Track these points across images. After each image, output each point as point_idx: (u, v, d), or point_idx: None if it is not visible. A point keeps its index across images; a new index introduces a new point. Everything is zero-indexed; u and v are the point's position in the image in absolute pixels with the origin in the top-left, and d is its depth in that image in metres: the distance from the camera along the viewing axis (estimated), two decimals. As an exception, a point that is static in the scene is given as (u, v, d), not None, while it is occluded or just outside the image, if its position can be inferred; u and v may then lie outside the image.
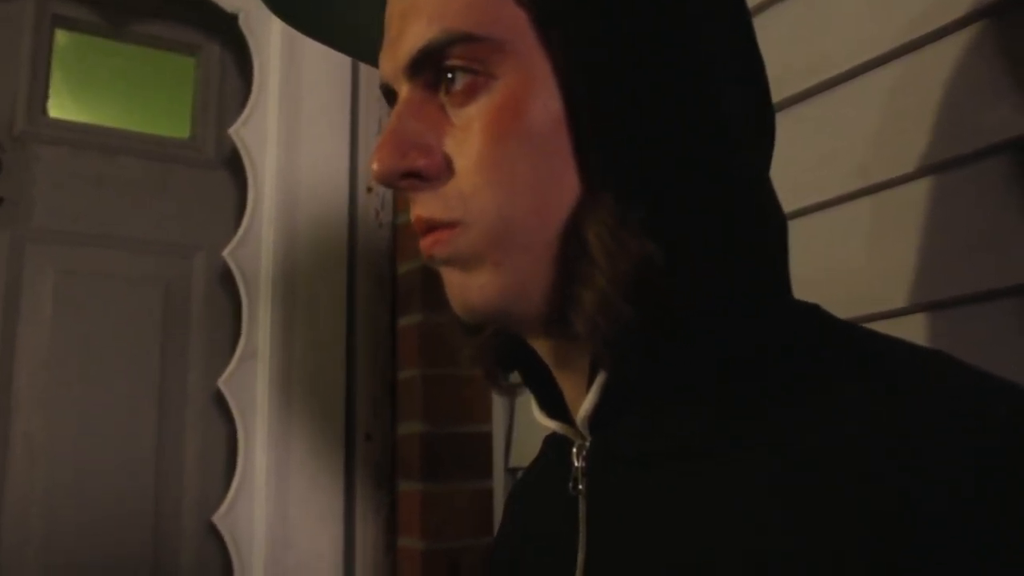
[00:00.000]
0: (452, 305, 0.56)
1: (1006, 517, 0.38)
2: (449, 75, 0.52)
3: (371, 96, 1.64)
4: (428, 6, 0.52)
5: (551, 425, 0.59)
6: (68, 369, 1.43)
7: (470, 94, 0.52)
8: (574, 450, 0.57)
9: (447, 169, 0.52)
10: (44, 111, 1.51)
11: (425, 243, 0.54)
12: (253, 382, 1.46)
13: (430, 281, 1.51)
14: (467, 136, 0.52)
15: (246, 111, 1.55)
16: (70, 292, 1.46)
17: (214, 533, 1.44)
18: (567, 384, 0.58)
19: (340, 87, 1.61)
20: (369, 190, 1.60)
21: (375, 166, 0.53)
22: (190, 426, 1.50)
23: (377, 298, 1.57)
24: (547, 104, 0.50)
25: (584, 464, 0.56)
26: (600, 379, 0.52)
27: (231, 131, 1.54)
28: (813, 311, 0.53)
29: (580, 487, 0.56)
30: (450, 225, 0.52)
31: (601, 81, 0.49)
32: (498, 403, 1.48)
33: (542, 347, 0.58)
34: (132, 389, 1.47)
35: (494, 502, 1.46)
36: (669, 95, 0.50)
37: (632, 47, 0.50)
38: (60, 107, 1.52)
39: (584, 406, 0.53)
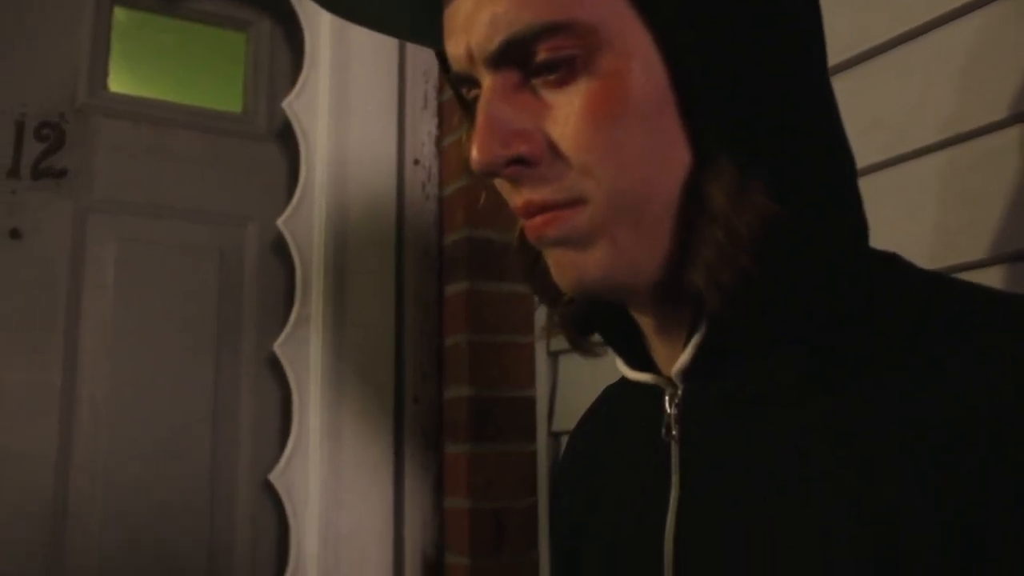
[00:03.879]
0: (560, 282, 0.56)
1: None
2: (540, 62, 0.51)
3: (417, 71, 1.68)
4: None
5: (640, 377, 0.60)
6: (130, 334, 1.49)
7: (567, 78, 0.51)
8: (666, 398, 0.58)
9: (551, 152, 0.52)
10: (104, 85, 1.56)
11: (534, 224, 0.54)
12: (307, 347, 1.51)
13: (476, 251, 1.56)
14: (569, 118, 0.51)
15: (298, 85, 1.59)
16: (130, 260, 1.52)
17: (269, 491, 1.50)
18: (660, 341, 0.60)
19: (388, 62, 1.65)
20: (416, 163, 1.65)
21: (475, 156, 0.52)
22: (244, 388, 1.56)
23: (424, 267, 1.61)
24: (650, 78, 0.50)
25: (677, 411, 0.58)
26: (697, 338, 0.54)
27: (284, 104, 1.58)
28: (893, 260, 0.55)
29: (673, 433, 0.58)
30: (566, 205, 0.53)
31: (710, 46, 0.49)
32: (542, 368, 1.52)
33: (642, 312, 0.59)
34: (190, 352, 1.53)
35: (538, 464, 1.50)
36: (771, 51, 0.51)
37: (732, 7, 0.50)
38: (119, 81, 1.58)
39: (681, 359, 0.55)
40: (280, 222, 1.54)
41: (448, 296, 1.60)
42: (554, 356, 1.51)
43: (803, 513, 0.49)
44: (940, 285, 0.53)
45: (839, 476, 0.48)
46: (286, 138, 1.63)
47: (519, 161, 0.52)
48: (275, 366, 1.53)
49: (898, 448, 0.46)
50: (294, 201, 1.56)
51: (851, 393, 0.49)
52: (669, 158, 0.51)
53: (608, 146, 0.50)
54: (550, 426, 1.48)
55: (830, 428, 0.49)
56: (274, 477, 1.47)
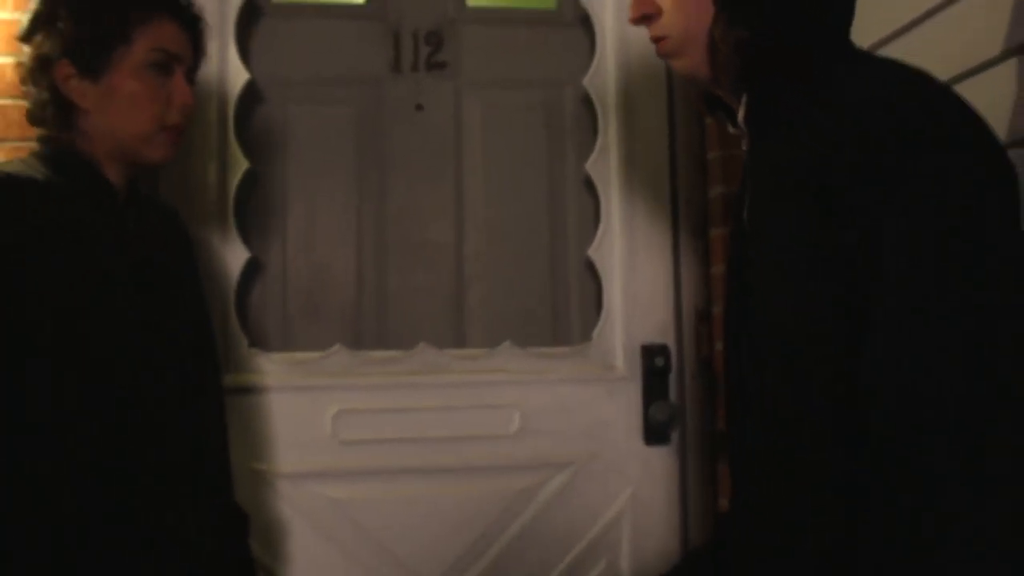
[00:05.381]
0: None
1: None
2: None
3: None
4: None
5: (734, 131, 1.20)
6: (494, 166, 2.25)
7: None
8: (743, 140, 1.18)
9: (658, 10, 1.15)
10: (464, 3, 2.30)
11: (656, 49, 1.18)
12: (609, 164, 2.18)
13: (726, 87, 2.11)
14: None
15: (591, -17, 2.23)
16: (491, 118, 2.27)
17: (588, 264, 2.20)
18: (737, 108, 1.17)
19: (656, -45, 2.23)
20: (680, 28, 2.22)
21: (631, 13, 1.17)
22: (568, 195, 2.27)
23: (690, 105, 2.20)
24: None
25: (747, 146, 1.17)
26: (743, 102, 1.13)
27: (582, -2, 2.23)
28: (860, 55, 1.11)
29: (747, 159, 1.17)
30: (663, 38, 1.16)
31: None
32: (779, 169, 2.06)
33: (723, 94, 1.19)
34: (531, 174, 2.26)
35: (778, 239, 2.05)
36: None
37: None
38: (474, -2, 2.31)
39: (739, 115, 1.15)
40: (585, 81, 2.21)
41: (708, 123, 2.18)
42: (788, 159, 2.04)
43: (773, 185, 1.08)
44: (869, 61, 1.09)
45: (787, 165, 1.05)
46: (587, 23, 2.28)
47: (646, 17, 1.16)
48: (588, 180, 2.22)
49: (820, 143, 1.01)
50: (593, 66, 2.21)
51: (802, 124, 1.05)
52: (706, 12, 1.10)
53: (679, 8, 1.13)
54: (786, 210, 2.02)
55: (792, 142, 1.05)
56: (591, 253, 2.17)
